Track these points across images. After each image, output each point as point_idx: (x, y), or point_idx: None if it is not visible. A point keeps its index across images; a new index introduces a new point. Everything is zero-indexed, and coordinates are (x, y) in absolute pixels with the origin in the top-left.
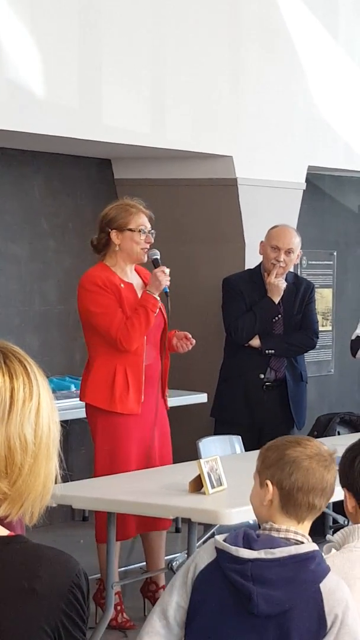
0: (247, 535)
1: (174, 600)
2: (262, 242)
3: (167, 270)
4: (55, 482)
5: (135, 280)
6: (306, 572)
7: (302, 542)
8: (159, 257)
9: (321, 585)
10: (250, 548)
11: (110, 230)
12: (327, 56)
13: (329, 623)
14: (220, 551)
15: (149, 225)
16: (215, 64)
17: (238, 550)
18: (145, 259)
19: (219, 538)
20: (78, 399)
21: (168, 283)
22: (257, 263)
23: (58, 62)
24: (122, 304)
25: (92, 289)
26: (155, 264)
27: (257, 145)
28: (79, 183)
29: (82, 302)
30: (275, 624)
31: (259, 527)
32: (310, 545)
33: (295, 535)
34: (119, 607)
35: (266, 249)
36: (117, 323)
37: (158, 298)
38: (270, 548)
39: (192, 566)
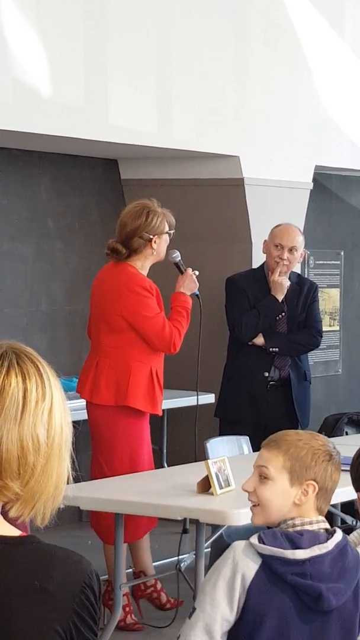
0: (286, 535)
1: (219, 615)
2: (265, 241)
3: (197, 272)
4: (67, 483)
5: None
6: (349, 558)
7: (327, 529)
8: (180, 258)
9: None
10: (299, 547)
11: (152, 236)
12: (333, 55)
13: None
14: (268, 557)
15: None
16: (221, 63)
17: (294, 552)
18: None
19: (255, 541)
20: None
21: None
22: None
23: (64, 62)
24: (160, 306)
25: (144, 293)
26: (180, 266)
27: (264, 145)
28: (85, 183)
29: (128, 305)
30: (336, 615)
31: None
32: (340, 531)
33: (325, 524)
34: (127, 609)
35: (269, 247)
36: (168, 326)
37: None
38: (319, 543)
39: (238, 577)
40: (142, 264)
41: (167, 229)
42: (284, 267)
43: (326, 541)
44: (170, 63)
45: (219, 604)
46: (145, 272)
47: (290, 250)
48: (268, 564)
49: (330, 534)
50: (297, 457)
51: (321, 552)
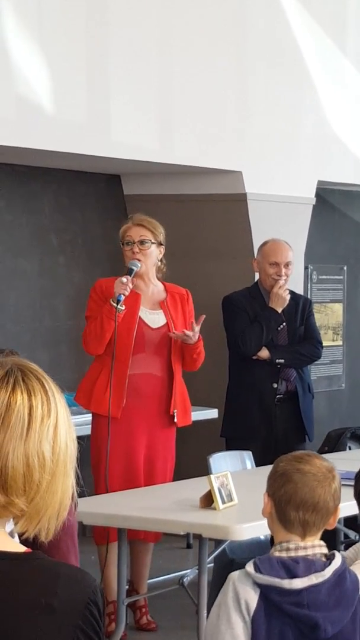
0: (282, 562)
1: None
2: (255, 260)
3: (125, 279)
4: (72, 499)
5: (150, 291)
6: (347, 584)
7: (326, 554)
8: (135, 268)
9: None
10: (295, 575)
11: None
12: (335, 70)
13: None
14: (265, 586)
15: (137, 236)
16: (223, 79)
17: (291, 582)
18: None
19: (252, 570)
20: (87, 415)
21: (124, 292)
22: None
23: (66, 79)
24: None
25: (91, 294)
26: (128, 272)
27: (266, 160)
28: (88, 199)
29: None
30: None
31: (271, 544)
32: (339, 556)
33: (321, 548)
34: (112, 616)
35: (264, 266)
36: (85, 328)
37: (118, 307)
38: (316, 572)
39: (243, 608)
40: None
41: (122, 239)
42: (283, 282)
43: (323, 569)
44: (173, 79)
45: (241, 639)
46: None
47: (286, 265)
48: (265, 594)
49: (328, 559)
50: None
51: (318, 581)
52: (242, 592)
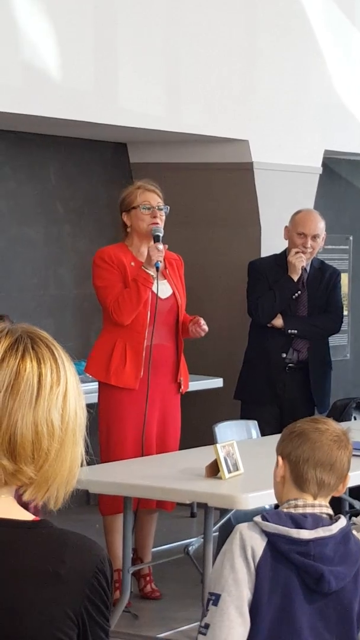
0: (290, 516)
1: (245, 595)
2: (286, 227)
3: (161, 247)
4: (81, 467)
5: None
6: (351, 545)
7: (331, 515)
8: (161, 234)
9: None
10: (303, 527)
11: (122, 212)
12: (343, 38)
13: None
14: (273, 535)
15: (155, 202)
16: (231, 47)
17: (299, 532)
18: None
19: (260, 519)
20: (93, 384)
21: (160, 259)
22: (274, 246)
23: (74, 45)
24: (126, 280)
25: (100, 264)
26: (155, 240)
27: (273, 129)
28: (94, 167)
29: (92, 277)
30: (334, 599)
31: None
32: (344, 518)
33: (327, 509)
34: (117, 584)
35: (292, 235)
36: (113, 296)
37: (153, 274)
38: (323, 526)
39: (249, 554)
40: (132, 242)
41: (135, 204)
42: (308, 254)
43: (330, 525)
44: (179, 47)
45: (243, 584)
46: (136, 250)
47: (314, 237)
48: (273, 543)
49: (334, 520)
50: (281, 435)
51: (325, 535)
52: (249, 539)
